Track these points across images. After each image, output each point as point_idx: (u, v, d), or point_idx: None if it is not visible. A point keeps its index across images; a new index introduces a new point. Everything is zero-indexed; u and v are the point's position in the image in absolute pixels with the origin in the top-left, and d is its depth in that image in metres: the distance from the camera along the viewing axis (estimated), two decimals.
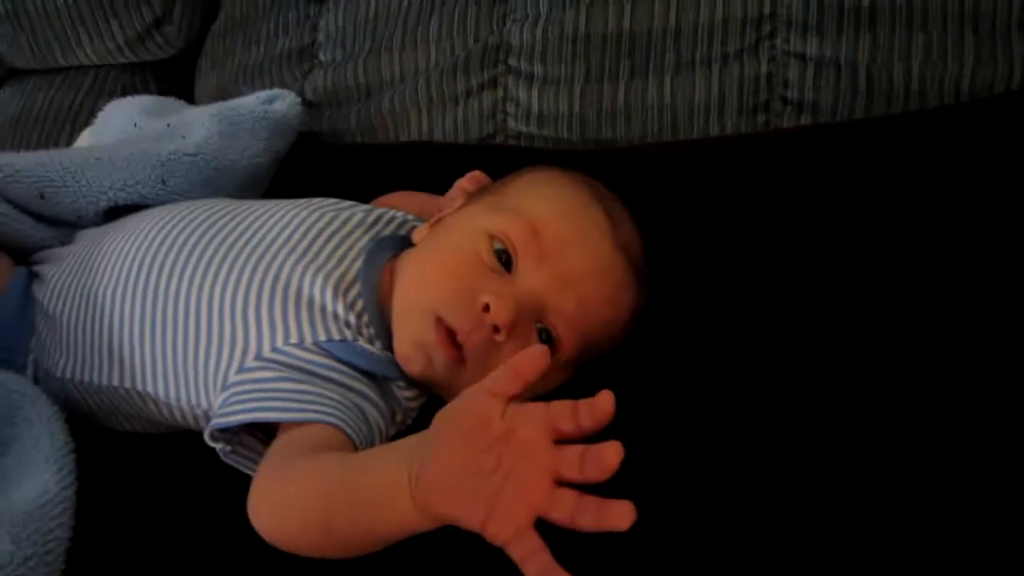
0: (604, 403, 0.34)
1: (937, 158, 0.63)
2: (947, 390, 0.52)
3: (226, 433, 0.49)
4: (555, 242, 0.50)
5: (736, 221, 0.65)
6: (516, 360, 0.36)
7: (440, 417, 0.38)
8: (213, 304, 0.52)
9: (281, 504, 0.43)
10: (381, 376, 0.51)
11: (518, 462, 0.34)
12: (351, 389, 0.49)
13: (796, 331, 0.58)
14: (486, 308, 0.48)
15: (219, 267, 0.53)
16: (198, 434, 0.55)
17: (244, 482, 0.50)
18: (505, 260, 0.51)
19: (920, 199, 0.62)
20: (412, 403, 0.53)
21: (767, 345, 0.58)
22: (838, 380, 0.55)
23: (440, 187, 0.72)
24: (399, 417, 0.52)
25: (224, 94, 0.92)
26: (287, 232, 0.55)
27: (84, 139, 0.84)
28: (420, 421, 0.54)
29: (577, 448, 0.34)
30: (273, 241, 0.54)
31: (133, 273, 0.55)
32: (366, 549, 0.40)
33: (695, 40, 0.70)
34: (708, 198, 0.66)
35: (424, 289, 0.51)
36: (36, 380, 0.58)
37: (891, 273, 0.60)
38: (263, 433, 0.50)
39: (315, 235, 0.55)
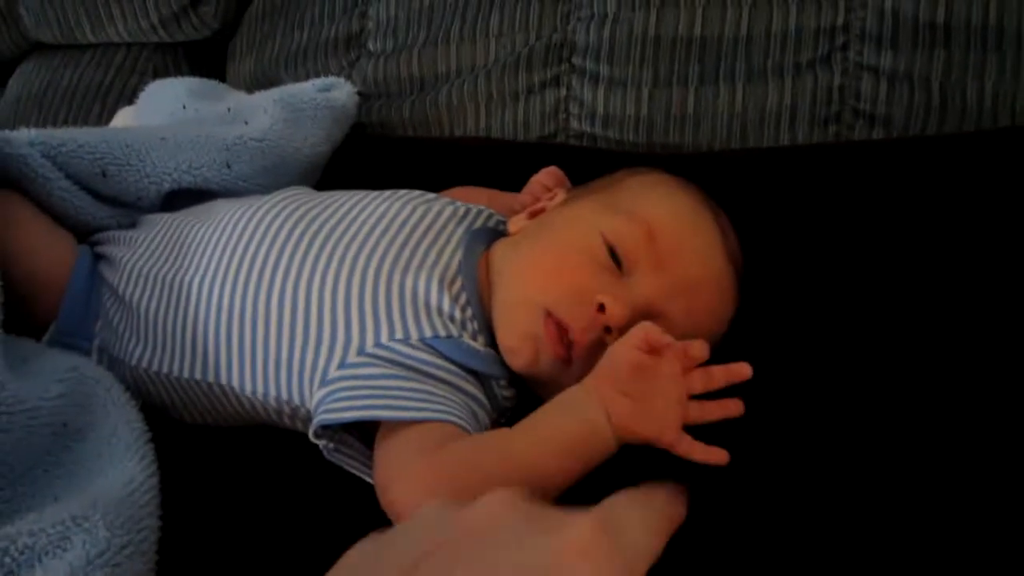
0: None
1: (1009, 178, 0.64)
2: None
3: (327, 430, 0.47)
4: (670, 249, 0.50)
5: (805, 232, 0.65)
6: (694, 348, 0.47)
7: (601, 369, 0.46)
8: (312, 298, 0.50)
9: (473, 486, 0.41)
10: (484, 374, 0.50)
11: (668, 388, 0.46)
12: (460, 389, 0.48)
13: (867, 343, 0.58)
14: (600, 308, 0.47)
15: (316, 260, 0.52)
16: (274, 429, 0.53)
17: (326, 476, 0.49)
18: (617, 261, 0.50)
19: (991, 217, 0.63)
20: (509, 403, 0.51)
21: (837, 355, 0.58)
22: (916, 390, 0.55)
23: (497, 185, 0.71)
24: (496, 416, 0.51)
25: (262, 79, 0.90)
26: (384, 224, 0.53)
27: (124, 117, 0.82)
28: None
29: (700, 370, 0.47)
30: (370, 233, 0.53)
31: (224, 263, 0.53)
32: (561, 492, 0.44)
33: (767, 48, 0.70)
34: (778, 207, 0.66)
35: (536, 283, 0.49)
36: (100, 364, 0.54)
37: (961, 289, 0.60)
38: (358, 431, 0.49)
39: (411, 228, 0.53)
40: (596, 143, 0.74)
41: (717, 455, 0.47)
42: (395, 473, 0.44)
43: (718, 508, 0.47)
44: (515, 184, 0.69)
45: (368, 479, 0.47)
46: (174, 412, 0.55)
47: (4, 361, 0.46)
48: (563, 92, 0.75)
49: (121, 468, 0.44)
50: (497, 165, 0.75)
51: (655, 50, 0.72)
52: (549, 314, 0.48)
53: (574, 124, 0.75)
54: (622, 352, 0.46)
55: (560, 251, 0.50)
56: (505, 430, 0.46)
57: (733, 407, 0.47)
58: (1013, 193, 0.63)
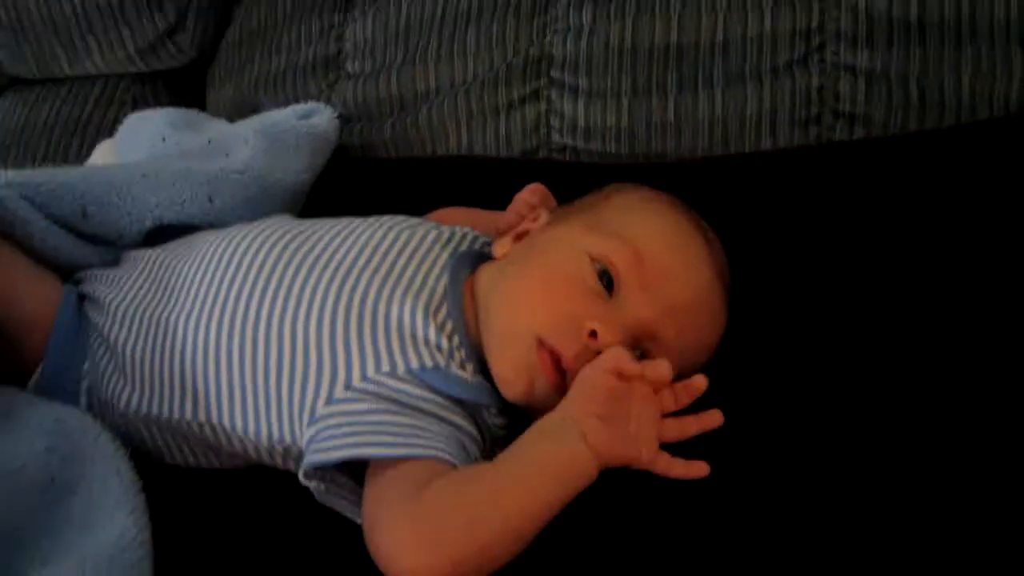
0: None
1: (989, 171, 0.64)
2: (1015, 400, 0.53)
3: (319, 471, 0.47)
4: (659, 270, 0.50)
5: (789, 235, 0.65)
6: (660, 368, 0.47)
7: (574, 394, 0.47)
8: (297, 331, 0.50)
9: (456, 529, 0.42)
10: (474, 403, 0.49)
11: (642, 409, 0.47)
12: (448, 422, 0.48)
13: (847, 345, 0.58)
14: (592, 334, 0.47)
15: (300, 292, 0.51)
16: (269, 469, 0.53)
17: (323, 520, 0.48)
18: (606, 284, 0.49)
19: (974, 212, 0.63)
20: (501, 431, 0.51)
21: (818, 359, 0.58)
22: (892, 390, 0.55)
23: (481, 203, 0.71)
24: (487, 445, 0.50)
25: (241, 105, 0.89)
26: (367, 253, 0.53)
27: (104, 151, 0.81)
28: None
29: (670, 388, 0.48)
30: (354, 262, 0.52)
31: (208, 300, 0.53)
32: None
33: (744, 52, 0.70)
34: (761, 212, 0.66)
35: (526, 311, 0.49)
36: (89, 408, 0.55)
37: (945, 287, 0.60)
38: (350, 469, 0.48)
39: (396, 254, 0.53)
40: (579, 156, 0.74)
41: (697, 469, 0.47)
42: (378, 518, 0.44)
43: (705, 515, 0.47)
44: (500, 201, 0.69)
45: (359, 520, 0.47)
46: (167, 455, 0.54)
47: None
48: (543, 106, 0.75)
49: (111, 523, 0.44)
50: (480, 182, 0.75)
51: (632, 60, 0.72)
52: (541, 342, 0.48)
53: (556, 138, 0.75)
54: (594, 377, 0.46)
55: (548, 276, 0.50)
56: (486, 464, 0.46)
57: (711, 419, 0.47)
58: (996, 185, 0.63)
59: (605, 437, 0.45)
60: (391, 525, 0.43)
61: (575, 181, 0.67)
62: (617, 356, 0.46)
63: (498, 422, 0.51)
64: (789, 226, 0.65)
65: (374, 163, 0.80)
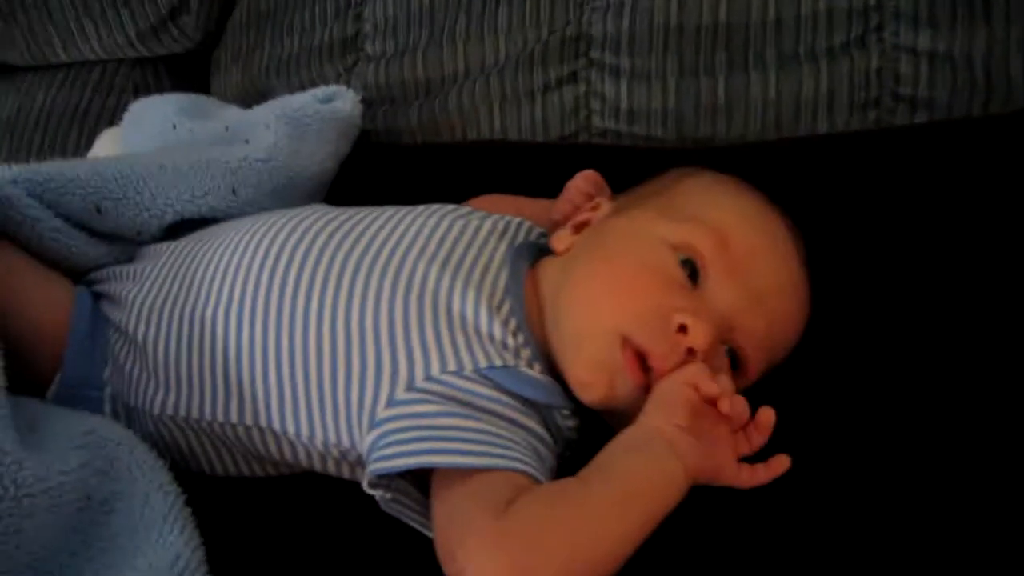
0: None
1: None
2: None
3: (383, 479, 0.43)
4: (745, 254, 0.46)
5: (847, 223, 0.61)
6: (738, 406, 0.44)
7: (658, 407, 0.44)
8: (352, 326, 0.46)
9: (551, 553, 0.38)
10: (545, 405, 0.45)
11: (715, 425, 0.44)
12: (522, 426, 0.44)
13: (912, 334, 0.55)
14: (681, 329, 0.44)
15: (352, 281, 0.47)
16: (318, 476, 0.49)
17: (382, 528, 0.44)
18: (689, 273, 0.46)
19: None
20: (573, 434, 0.47)
21: (877, 352, 0.55)
22: (958, 380, 0.52)
23: (517, 191, 0.67)
24: (559, 449, 0.46)
25: (251, 91, 0.84)
26: (421, 240, 0.49)
27: (107, 141, 0.76)
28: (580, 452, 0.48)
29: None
30: (408, 250, 0.48)
31: (248, 292, 0.48)
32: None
33: (798, 32, 0.66)
34: (817, 199, 0.63)
35: (606, 307, 0.45)
36: (115, 415, 0.50)
37: (1011, 280, 0.57)
38: (413, 476, 0.44)
39: (451, 245, 0.49)
40: (621, 140, 0.70)
41: (780, 464, 0.44)
42: (459, 536, 0.40)
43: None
44: (537, 189, 0.65)
45: (429, 533, 0.43)
46: (205, 464, 0.50)
47: (14, 432, 0.40)
48: (582, 88, 0.71)
49: (163, 545, 0.39)
50: (517, 169, 0.71)
51: (679, 39, 0.68)
52: (626, 340, 0.44)
53: (597, 121, 0.70)
54: (675, 389, 0.43)
55: (627, 269, 0.46)
56: (577, 481, 0.42)
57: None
58: None
59: (697, 452, 0.42)
60: (477, 546, 0.39)
61: (618, 167, 0.63)
62: (699, 372, 0.43)
63: (570, 424, 0.47)
64: (847, 215, 0.62)
65: (400, 149, 0.76)
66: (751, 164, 0.66)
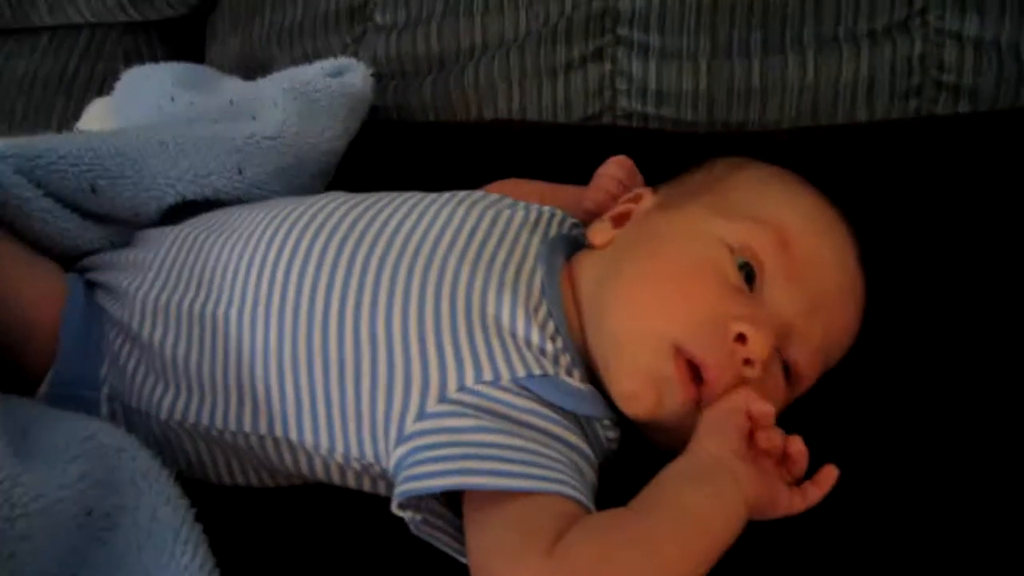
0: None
1: None
2: None
3: (412, 499, 0.39)
4: (806, 258, 0.43)
5: (886, 216, 0.59)
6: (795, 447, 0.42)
7: (710, 432, 0.41)
8: (378, 330, 0.42)
9: None
10: (586, 417, 0.42)
11: (766, 460, 0.42)
12: (564, 442, 0.40)
13: (952, 330, 0.53)
14: (739, 338, 0.40)
15: (377, 281, 0.43)
16: (333, 489, 0.45)
17: (405, 540, 0.41)
18: (746, 276, 0.42)
19: None
20: (613, 445, 0.44)
21: (921, 346, 0.52)
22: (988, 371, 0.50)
23: (537, 174, 0.63)
24: (598, 460, 0.43)
25: (251, 61, 0.80)
26: (450, 234, 0.45)
27: (97, 112, 0.71)
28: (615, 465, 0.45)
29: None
30: (436, 245, 0.44)
31: (263, 290, 0.44)
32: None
33: (838, 13, 0.63)
34: (854, 190, 0.60)
35: (658, 312, 0.42)
36: (112, 417, 0.46)
37: None
38: (446, 495, 0.41)
39: (482, 239, 0.45)
40: (648, 123, 0.67)
41: (828, 478, 0.42)
42: (503, 570, 0.36)
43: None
44: (559, 173, 0.62)
45: (462, 559, 0.40)
46: (212, 473, 0.46)
47: (5, 443, 0.37)
48: (608, 66, 0.67)
49: (174, 565, 0.36)
50: (537, 151, 0.67)
51: (712, 16, 0.64)
52: (678, 350, 0.41)
53: (622, 102, 0.67)
54: (729, 415, 0.41)
55: (681, 270, 0.43)
56: (633, 514, 0.39)
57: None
58: None
59: (757, 482, 0.40)
60: None
61: (646, 151, 0.60)
62: (748, 395, 0.41)
63: (611, 436, 0.44)
64: (886, 206, 0.59)
65: (411, 127, 0.72)
66: (786, 151, 0.63)
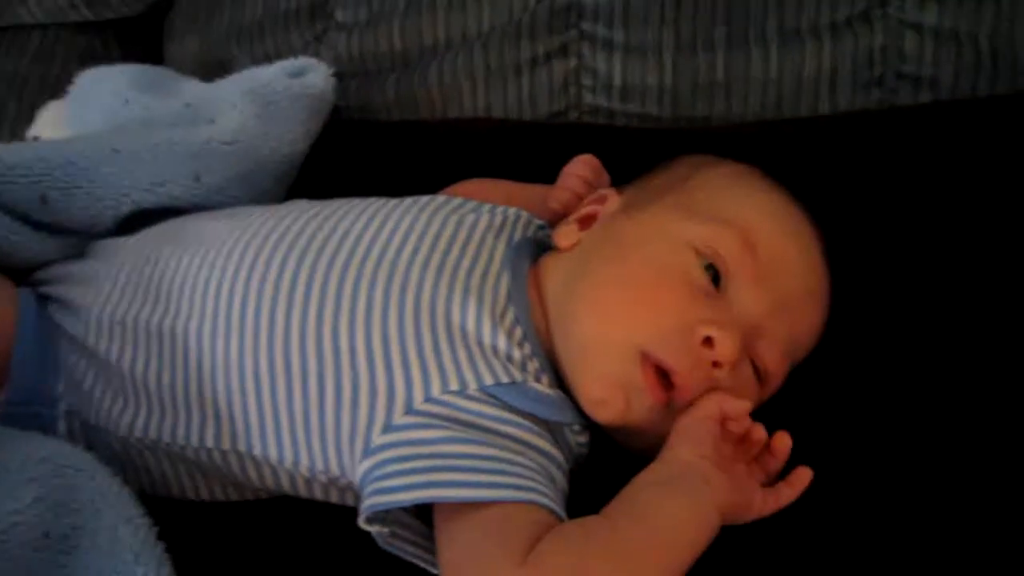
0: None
1: None
2: None
3: (379, 512, 0.39)
4: (773, 259, 0.43)
5: (850, 206, 0.59)
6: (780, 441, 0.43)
7: (684, 439, 0.41)
8: (341, 343, 0.41)
9: None
10: (556, 423, 0.42)
11: (738, 467, 0.42)
12: (535, 448, 0.40)
13: (917, 322, 0.54)
14: (706, 342, 0.40)
15: (339, 292, 0.42)
16: (297, 500, 0.45)
17: (375, 553, 0.41)
18: (713, 278, 0.42)
19: None
20: (583, 449, 0.44)
21: (884, 339, 0.53)
22: (963, 369, 0.50)
23: (502, 173, 0.63)
24: (569, 466, 0.43)
25: (210, 61, 0.78)
26: (413, 241, 0.44)
27: (49, 117, 0.69)
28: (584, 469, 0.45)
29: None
30: (399, 254, 0.44)
31: (222, 304, 0.43)
32: None
33: (801, 6, 0.63)
34: (819, 182, 0.60)
35: (624, 318, 0.41)
36: (70, 435, 0.45)
37: (1018, 260, 0.56)
38: (416, 507, 0.40)
39: (446, 246, 0.45)
40: (614, 118, 0.66)
41: (802, 479, 0.42)
42: None
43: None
44: (525, 171, 0.61)
45: (433, 570, 0.39)
46: (176, 489, 0.46)
47: None
48: (573, 62, 0.66)
49: None
50: (503, 149, 0.67)
51: (676, 11, 0.64)
52: (646, 356, 0.41)
53: (588, 98, 0.66)
54: (702, 421, 0.41)
55: (647, 275, 0.42)
56: (605, 521, 0.38)
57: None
58: None
59: (729, 487, 0.40)
60: None
61: (612, 148, 0.60)
62: (722, 399, 0.41)
63: (581, 440, 0.44)
64: (850, 197, 0.59)
65: (375, 127, 0.71)
66: (750, 146, 0.63)
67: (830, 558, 0.43)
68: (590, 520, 0.39)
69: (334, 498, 0.44)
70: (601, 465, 0.45)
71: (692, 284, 0.42)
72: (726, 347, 0.40)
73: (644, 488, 0.39)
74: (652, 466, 0.40)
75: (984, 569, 0.43)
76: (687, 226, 0.43)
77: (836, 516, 0.44)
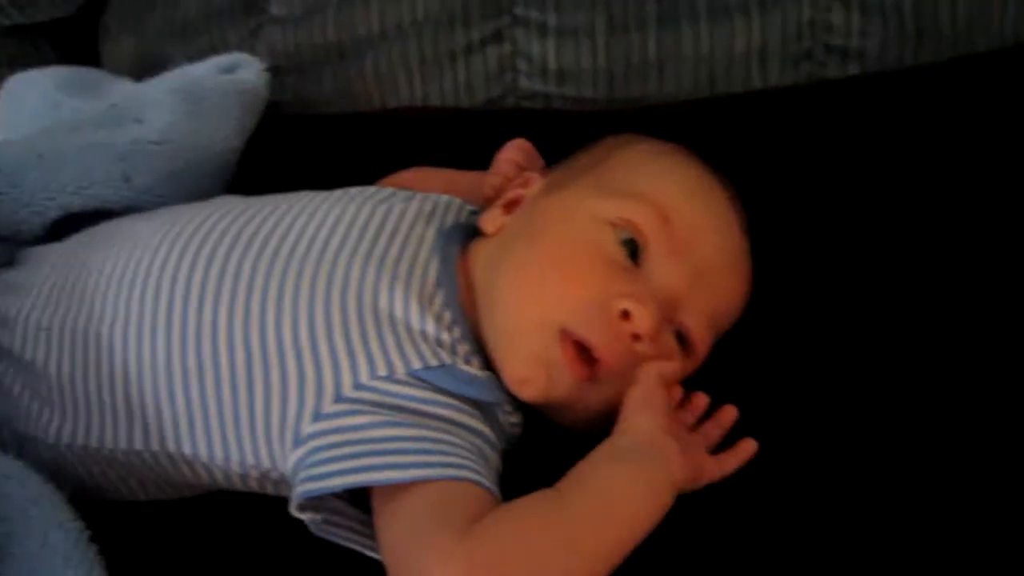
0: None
1: (988, 106, 0.60)
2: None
3: (312, 499, 0.39)
4: (688, 231, 0.43)
5: (783, 180, 0.60)
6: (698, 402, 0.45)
7: (639, 411, 0.41)
8: (268, 336, 0.41)
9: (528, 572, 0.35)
10: (486, 403, 0.42)
11: (683, 433, 0.43)
12: (467, 428, 0.40)
13: (849, 293, 0.55)
14: (624, 315, 0.41)
15: (266, 286, 0.42)
16: (237, 494, 0.45)
17: (315, 546, 0.41)
18: (631, 252, 0.43)
19: (973, 149, 0.59)
20: (516, 429, 0.44)
21: (814, 312, 0.54)
22: (895, 338, 0.51)
23: (443, 161, 0.63)
24: (502, 446, 0.43)
25: (147, 61, 0.77)
26: (340, 232, 0.44)
27: None
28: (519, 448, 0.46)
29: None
30: (326, 245, 0.44)
31: (147, 304, 0.43)
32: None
33: None
34: (753, 157, 0.61)
35: (542, 297, 0.42)
36: (3, 447, 0.44)
37: (946, 228, 0.57)
38: (349, 492, 0.40)
39: (374, 235, 0.45)
40: (551, 103, 0.66)
41: (747, 450, 0.43)
42: (421, 560, 0.36)
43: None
44: (465, 159, 0.61)
45: (371, 554, 0.40)
46: (111, 492, 0.45)
47: None
48: (507, 48, 0.66)
49: None
50: (440, 138, 0.67)
51: None
52: (565, 333, 0.41)
53: (524, 83, 0.66)
54: (657, 394, 0.41)
55: (563, 252, 0.43)
56: (553, 494, 0.38)
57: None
58: (995, 121, 0.60)
59: (681, 455, 0.40)
60: (439, 565, 0.35)
61: (550, 132, 0.60)
62: (659, 365, 0.42)
63: (513, 420, 0.44)
64: (783, 172, 0.60)
65: (313, 120, 0.71)
66: (685, 124, 0.64)
67: (770, 528, 0.44)
68: (539, 493, 0.39)
69: (270, 490, 0.44)
70: (552, 444, 0.46)
71: (609, 259, 0.42)
72: (643, 319, 0.40)
73: (598, 462, 0.40)
74: (609, 439, 0.41)
75: (917, 529, 0.44)
76: (603, 203, 0.44)
77: (772, 488, 0.45)
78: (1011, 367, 0.49)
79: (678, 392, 0.45)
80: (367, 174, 0.60)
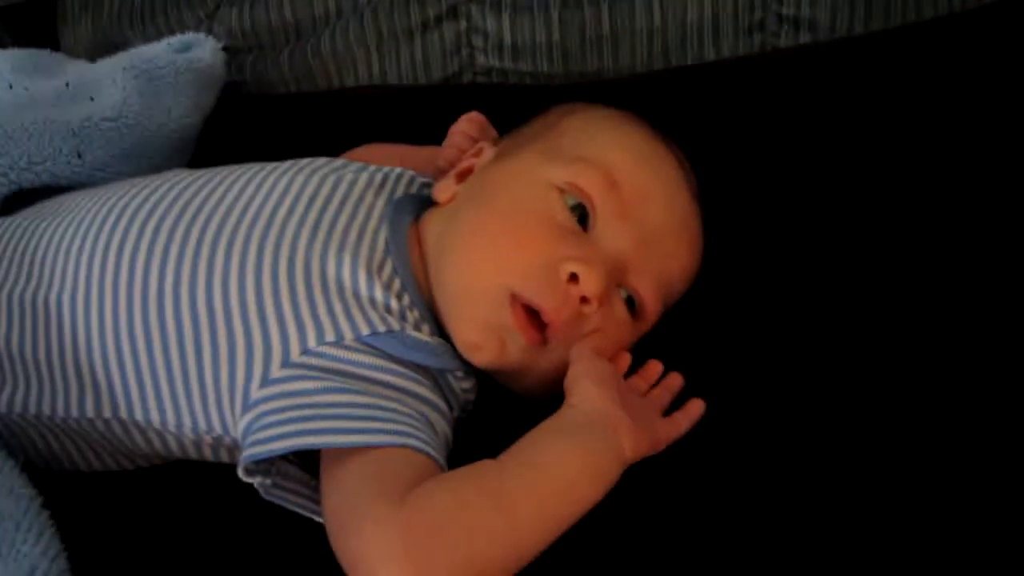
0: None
1: (937, 72, 0.61)
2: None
3: (262, 464, 0.39)
4: (635, 194, 0.44)
5: (737, 149, 0.61)
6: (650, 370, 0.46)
7: (587, 384, 0.41)
8: (215, 301, 0.41)
9: (456, 546, 0.35)
10: (437, 369, 0.43)
11: (635, 399, 0.44)
12: (414, 395, 0.41)
13: (801, 269, 0.55)
14: (572, 278, 0.41)
15: (212, 252, 0.42)
16: (193, 463, 0.45)
17: (270, 515, 0.41)
18: (579, 218, 0.43)
19: (922, 115, 0.60)
20: (469, 395, 0.45)
21: (776, 281, 0.55)
22: (848, 305, 0.52)
23: (401, 138, 0.63)
24: (454, 414, 0.44)
25: (105, 44, 0.77)
26: (288, 201, 0.45)
27: None
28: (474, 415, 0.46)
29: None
30: (274, 212, 0.44)
31: (94, 272, 0.43)
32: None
33: None
34: (707, 127, 0.62)
35: (491, 261, 0.42)
36: None
37: (896, 195, 0.58)
38: (300, 457, 0.41)
39: (323, 204, 0.45)
40: (508, 78, 0.67)
41: (695, 409, 0.44)
42: (357, 525, 0.36)
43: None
44: (423, 135, 0.62)
45: (318, 519, 0.40)
46: (65, 462, 0.45)
47: None
48: (463, 24, 0.67)
49: (15, 557, 0.36)
50: (398, 115, 0.67)
51: None
52: (514, 297, 0.42)
53: (480, 59, 0.67)
54: (601, 364, 0.42)
55: (512, 218, 0.43)
56: (493, 466, 0.38)
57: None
58: (945, 85, 0.61)
59: (637, 430, 0.40)
60: (374, 534, 0.35)
61: (507, 106, 0.61)
62: (596, 340, 0.42)
63: (465, 386, 0.44)
64: (738, 142, 0.61)
65: (272, 100, 0.71)
66: (640, 96, 0.64)
67: (720, 490, 0.44)
68: (480, 463, 0.39)
69: (224, 458, 0.44)
70: (507, 413, 0.46)
71: (556, 224, 0.43)
72: (591, 281, 0.41)
73: (543, 435, 0.40)
74: (559, 411, 0.41)
75: (858, 498, 0.44)
76: (551, 168, 0.44)
77: (720, 450, 0.45)
78: (959, 324, 0.50)
79: (627, 360, 0.45)
80: (326, 153, 0.59)
